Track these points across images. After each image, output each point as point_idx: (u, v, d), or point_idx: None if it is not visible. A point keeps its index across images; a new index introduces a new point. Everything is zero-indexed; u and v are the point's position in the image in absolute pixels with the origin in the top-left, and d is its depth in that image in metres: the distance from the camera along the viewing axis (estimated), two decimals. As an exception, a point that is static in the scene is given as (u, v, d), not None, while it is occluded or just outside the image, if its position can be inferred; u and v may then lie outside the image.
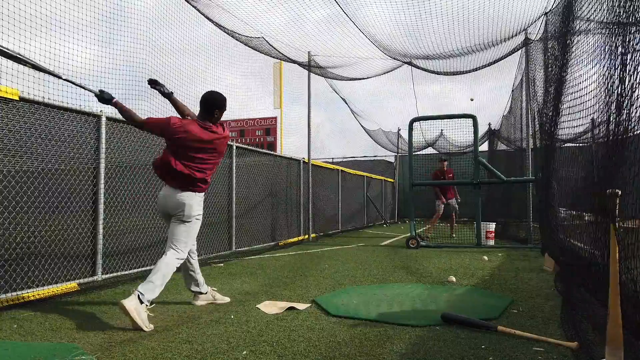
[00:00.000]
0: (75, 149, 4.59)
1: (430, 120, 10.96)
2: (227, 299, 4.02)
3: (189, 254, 3.73)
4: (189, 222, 3.58)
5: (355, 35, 8.44)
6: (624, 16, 2.75)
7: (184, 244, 3.56)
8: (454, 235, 10.77)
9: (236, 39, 7.87)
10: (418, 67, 10.33)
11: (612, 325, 2.25)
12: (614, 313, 2.26)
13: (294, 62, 9.84)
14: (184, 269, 3.84)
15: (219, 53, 8.22)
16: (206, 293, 3.93)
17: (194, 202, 3.58)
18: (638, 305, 2.38)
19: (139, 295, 3.15)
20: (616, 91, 2.79)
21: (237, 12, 7.12)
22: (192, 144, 3.50)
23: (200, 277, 3.90)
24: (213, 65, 8.24)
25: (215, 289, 4.10)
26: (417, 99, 15.05)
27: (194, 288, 3.89)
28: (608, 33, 3.19)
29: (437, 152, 16.70)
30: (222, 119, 3.76)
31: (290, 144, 12.64)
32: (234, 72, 9.30)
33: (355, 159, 22.33)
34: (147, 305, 3.16)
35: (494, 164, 11.18)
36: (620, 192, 2.47)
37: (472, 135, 8.72)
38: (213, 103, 3.67)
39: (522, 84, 9.67)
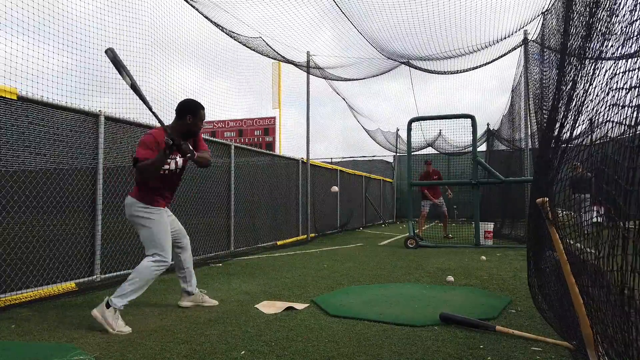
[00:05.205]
0: (74, 148, 4.58)
1: (429, 121, 10.91)
2: (215, 302, 3.89)
3: (174, 250, 3.68)
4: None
5: (353, 36, 8.45)
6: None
7: (147, 248, 3.46)
8: (450, 235, 10.51)
9: (235, 39, 7.87)
10: (415, 67, 10.34)
11: (583, 327, 2.24)
12: (581, 314, 2.25)
13: (292, 63, 9.84)
14: (176, 267, 3.84)
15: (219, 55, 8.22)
16: (194, 294, 3.85)
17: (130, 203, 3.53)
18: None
19: (108, 301, 3.16)
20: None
21: (236, 11, 7.12)
22: None
23: (189, 276, 3.83)
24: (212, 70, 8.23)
25: (205, 291, 4.01)
26: (416, 98, 15.07)
27: (182, 285, 3.86)
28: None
29: (436, 152, 16.71)
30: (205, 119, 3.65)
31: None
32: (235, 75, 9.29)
33: (354, 159, 22.38)
34: (116, 310, 3.14)
35: (492, 164, 11.20)
36: (547, 199, 2.60)
37: (471, 135, 8.73)
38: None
39: (521, 83, 9.69)
